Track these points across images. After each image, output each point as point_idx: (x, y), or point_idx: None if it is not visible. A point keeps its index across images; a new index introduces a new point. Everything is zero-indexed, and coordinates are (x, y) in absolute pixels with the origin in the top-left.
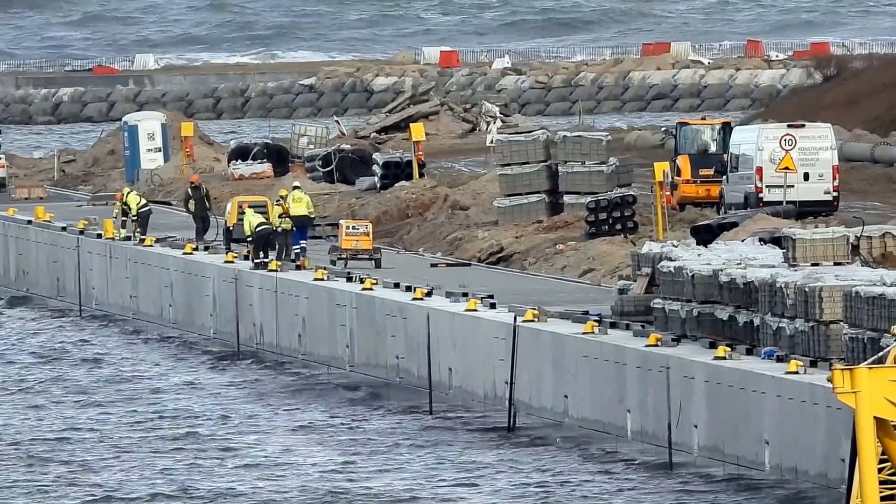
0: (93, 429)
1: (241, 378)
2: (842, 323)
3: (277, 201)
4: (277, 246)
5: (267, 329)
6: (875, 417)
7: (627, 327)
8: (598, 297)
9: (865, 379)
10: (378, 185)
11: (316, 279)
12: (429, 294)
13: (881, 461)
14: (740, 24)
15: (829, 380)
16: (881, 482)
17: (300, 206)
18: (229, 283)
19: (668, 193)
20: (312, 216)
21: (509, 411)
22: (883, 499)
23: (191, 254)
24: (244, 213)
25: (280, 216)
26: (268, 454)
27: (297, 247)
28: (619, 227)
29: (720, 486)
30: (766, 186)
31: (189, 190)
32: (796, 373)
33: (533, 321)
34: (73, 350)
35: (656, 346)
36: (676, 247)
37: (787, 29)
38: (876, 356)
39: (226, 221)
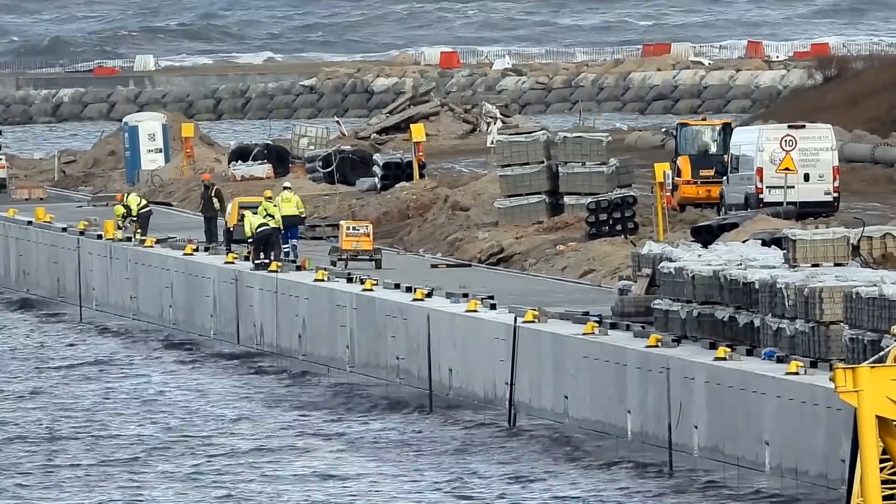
0: (93, 431)
1: (240, 379)
2: (842, 324)
3: (271, 201)
4: (274, 248)
5: (267, 330)
6: (877, 416)
7: (628, 328)
8: (599, 298)
9: (868, 378)
10: (378, 186)
11: (316, 280)
12: (429, 295)
13: (882, 461)
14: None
15: (832, 379)
16: (882, 482)
17: (289, 205)
18: (230, 284)
19: (668, 194)
20: (302, 216)
21: (509, 412)
22: (884, 499)
23: (191, 254)
24: (245, 214)
25: (265, 216)
26: (266, 456)
27: (287, 246)
28: (619, 227)
29: (720, 487)
30: (767, 187)
31: (202, 189)
32: (797, 373)
33: (533, 322)
34: (74, 351)
35: (657, 346)
36: (677, 247)
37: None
38: (877, 356)
39: (226, 222)
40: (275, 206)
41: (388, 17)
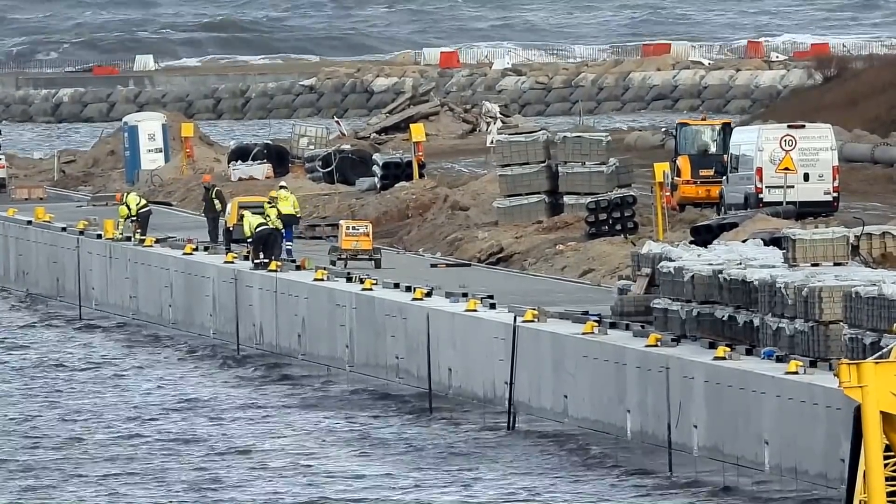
0: (91, 430)
1: (239, 379)
2: (841, 323)
3: (269, 203)
4: (274, 247)
5: (267, 329)
6: (881, 412)
7: (627, 327)
8: (598, 298)
9: (872, 373)
10: (378, 186)
11: (316, 279)
12: (429, 294)
13: (885, 457)
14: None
15: (836, 374)
16: (885, 478)
17: (286, 204)
18: (229, 284)
19: (668, 194)
20: (298, 215)
21: (509, 412)
22: (887, 495)
23: (191, 254)
24: (244, 214)
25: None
26: (264, 455)
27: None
28: (619, 227)
29: (720, 487)
30: (766, 187)
31: (203, 192)
32: (796, 373)
33: (533, 321)
34: (73, 351)
35: (656, 346)
36: (677, 246)
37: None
38: (880, 353)
39: (226, 222)
40: (272, 207)
41: (390, 17)
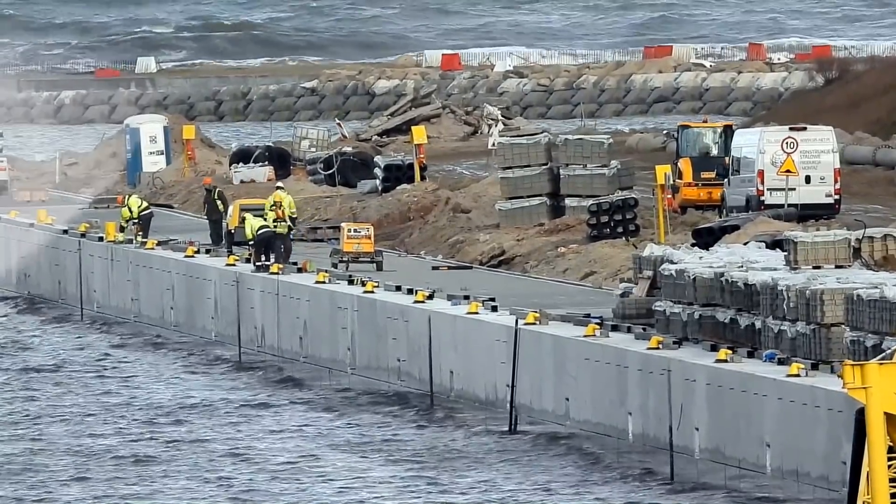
0: (92, 434)
1: (241, 381)
2: (843, 326)
3: (272, 206)
4: (275, 249)
5: (268, 332)
6: (885, 413)
7: (629, 330)
8: (600, 300)
9: (876, 374)
10: (379, 188)
11: (317, 282)
12: (430, 297)
13: (888, 458)
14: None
15: (840, 375)
16: (889, 480)
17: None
18: (231, 286)
19: (669, 196)
20: (294, 216)
21: (510, 414)
22: (891, 496)
23: (192, 256)
24: (246, 216)
25: (275, 221)
26: (265, 458)
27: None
28: (620, 229)
29: (721, 490)
30: (768, 189)
31: (204, 194)
32: (798, 376)
33: (534, 324)
34: (75, 354)
35: (658, 348)
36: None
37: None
38: (884, 354)
39: (227, 224)
40: (273, 210)
41: (391, 17)
